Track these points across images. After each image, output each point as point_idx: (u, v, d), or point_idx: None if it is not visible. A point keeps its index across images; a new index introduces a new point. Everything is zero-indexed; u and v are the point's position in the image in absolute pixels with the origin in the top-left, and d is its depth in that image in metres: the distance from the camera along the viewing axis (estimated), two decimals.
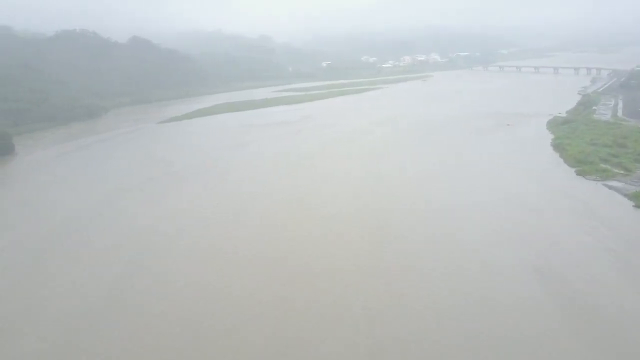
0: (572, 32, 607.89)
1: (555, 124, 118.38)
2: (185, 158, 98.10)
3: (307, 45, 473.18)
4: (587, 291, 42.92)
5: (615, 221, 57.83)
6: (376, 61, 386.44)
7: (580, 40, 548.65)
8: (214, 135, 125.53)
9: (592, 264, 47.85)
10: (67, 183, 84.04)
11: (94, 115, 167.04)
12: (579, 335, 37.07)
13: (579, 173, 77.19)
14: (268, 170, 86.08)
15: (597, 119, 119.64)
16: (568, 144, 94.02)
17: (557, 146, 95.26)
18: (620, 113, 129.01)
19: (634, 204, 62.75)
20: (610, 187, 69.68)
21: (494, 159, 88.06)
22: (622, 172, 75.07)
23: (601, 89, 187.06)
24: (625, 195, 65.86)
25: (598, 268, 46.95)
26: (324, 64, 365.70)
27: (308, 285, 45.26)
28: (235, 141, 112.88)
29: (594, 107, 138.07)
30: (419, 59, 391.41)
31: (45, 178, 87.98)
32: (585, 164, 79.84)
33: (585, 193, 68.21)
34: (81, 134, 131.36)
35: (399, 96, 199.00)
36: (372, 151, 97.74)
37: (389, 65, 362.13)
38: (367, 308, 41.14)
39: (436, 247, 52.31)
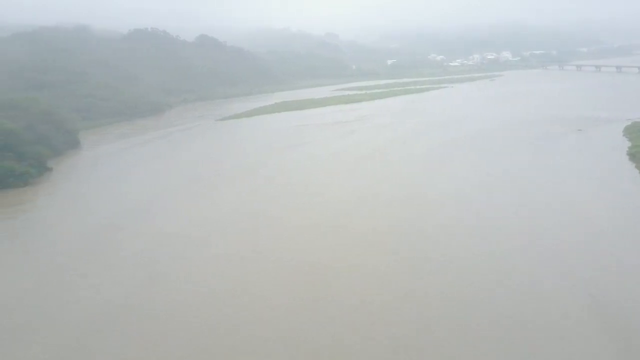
0: None
1: (633, 131, 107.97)
2: (235, 157, 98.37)
3: (374, 43, 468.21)
4: None
5: None
6: (443, 59, 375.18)
7: None
8: (268, 134, 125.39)
9: None
10: (120, 179, 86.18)
11: (159, 111, 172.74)
12: None
13: None
14: (315, 173, 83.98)
15: None
16: None
17: (634, 155, 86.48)
18: None
19: None
20: None
21: (557, 170, 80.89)
22: None
23: None
24: None
25: None
26: (389, 61, 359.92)
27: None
28: (287, 141, 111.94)
29: None
30: (489, 57, 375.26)
31: (102, 174, 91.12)
32: None
33: None
34: (143, 130, 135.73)
35: (463, 96, 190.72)
36: (428, 155, 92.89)
37: (457, 64, 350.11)
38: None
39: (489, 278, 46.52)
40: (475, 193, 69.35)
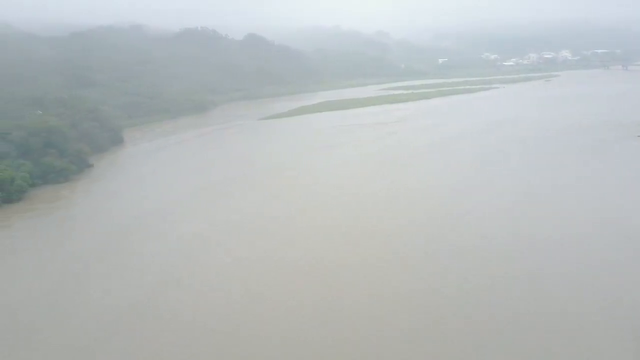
0: None
1: None
2: (269, 158, 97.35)
3: (426, 42, 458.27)
4: None
5: None
6: (497, 58, 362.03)
7: None
8: (307, 134, 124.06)
9: None
10: (153, 178, 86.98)
11: (203, 109, 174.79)
12: None
13: None
14: (346, 177, 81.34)
15: None
16: None
17: None
18: None
19: None
20: None
21: (609, 180, 74.54)
22: None
23: None
24: None
25: None
26: (440, 60, 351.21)
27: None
28: (325, 142, 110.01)
29: None
30: (546, 56, 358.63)
31: (137, 171, 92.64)
32: None
33: None
34: (185, 127, 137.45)
35: (514, 98, 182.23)
36: (469, 162, 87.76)
37: (511, 63, 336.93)
38: None
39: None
40: (516, 203, 64.88)
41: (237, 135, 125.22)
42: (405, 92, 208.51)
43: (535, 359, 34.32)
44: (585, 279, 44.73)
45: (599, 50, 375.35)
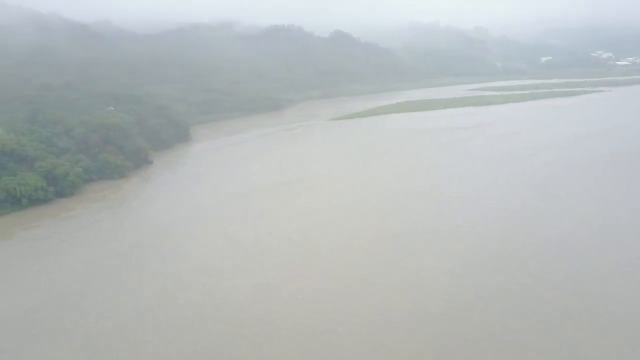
0: None
1: None
2: (323, 164, 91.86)
3: (530, 39, 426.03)
4: None
5: None
6: (610, 57, 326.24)
7: None
8: (370, 138, 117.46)
9: None
10: (207, 179, 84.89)
11: (278, 108, 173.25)
12: None
13: None
14: (400, 185, 73.60)
15: None
16: None
17: None
18: None
19: None
20: None
21: None
22: None
23: None
24: None
25: None
26: (543, 59, 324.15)
27: None
28: (388, 146, 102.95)
29: None
30: None
31: (194, 170, 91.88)
32: None
33: None
34: (252, 126, 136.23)
35: (619, 104, 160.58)
36: (539, 183, 75.25)
37: (626, 63, 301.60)
38: None
39: None
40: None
41: (302, 137, 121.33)
42: (495, 93, 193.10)
43: None
44: None
45: None
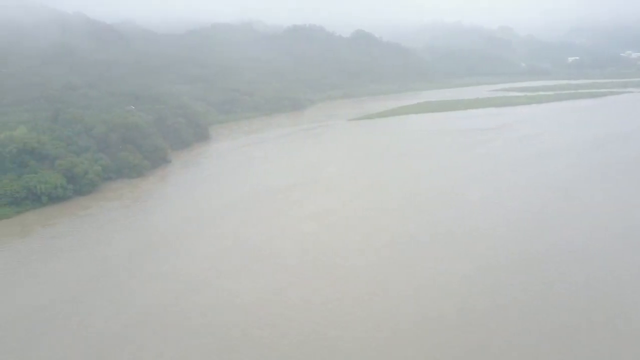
0: None
1: None
2: (340, 164, 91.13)
3: (557, 38, 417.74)
4: None
5: None
6: None
7: None
8: (389, 138, 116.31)
9: None
10: (221, 179, 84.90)
11: (298, 107, 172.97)
12: None
13: None
14: (418, 186, 72.43)
15: None
16: None
17: None
18: None
19: None
20: None
21: None
22: None
23: None
24: None
25: None
26: (569, 59, 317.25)
27: None
28: (407, 147, 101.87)
29: None
30: None
31: (210, 171, 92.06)
32: None
33: None
34: (272, 126, 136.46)
35: None
36: (556, 185, 73.72)
37: None
38: None
39: None
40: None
41: (320, 137, 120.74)
42: (518, 94, 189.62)
43: None
44: None
45: None
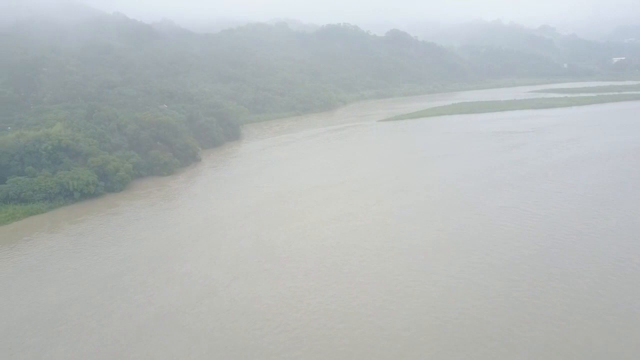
0: None
1: None
2: (366, 166, 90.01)
3: (602, 37, 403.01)
4: None
5: None
6: None
7: None
8: (422, 140, 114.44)
9: None
10: (251, 177, 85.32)
11: (330, 107, 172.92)
12: None
13: None
14: (443, 192, 70.54)
15: None
16: None
17: None
18: None
19: None
20: None
21: None
22: None
23: None
24: None
25: None
26: (614, 60, 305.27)
27: None
28: (436, 150, 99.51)
29: None
30: None
31: (236, 171, 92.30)
32: None
33: None
34: (302, 127, 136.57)
35: None
36: (607, 186, 70.51)
37: None
38: None
39: None
40: None
41: (346, 138, 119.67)
42: (558, 95, 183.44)
43: None
44: None
45: None
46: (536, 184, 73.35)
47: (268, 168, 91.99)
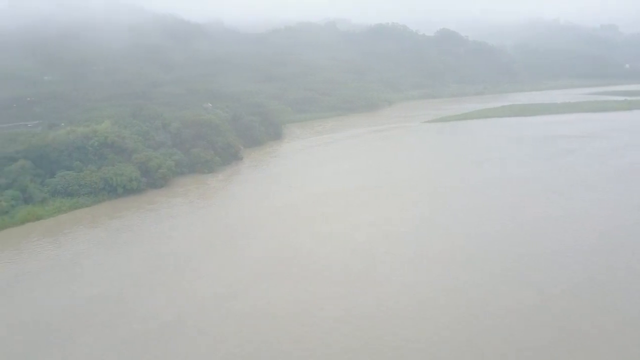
0: None
1: None
2: (405, 170, 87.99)
3: None
4: None
5: None
6: None
7: None
8: (466, 143, 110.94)
9: None
10: (289, 177, 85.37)
11: (374, 107, 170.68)
12: None
13: None
14: (481, 200, 67.78)
15: None
16: None
17: None
18: None
19: None
20: None
21: None
22: None
23: None
24: None
25: None
26: None
27: None
28: (479, 155, 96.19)
29: None
30: None
31: (274, 171, 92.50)
32: None
33: None
34: (344, 127, 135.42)
35: None
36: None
37: None
38: None
39: None
40: None
41: (387, 140, 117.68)
42: (616, 98, 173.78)
43: None
44: None
45: None
46: (585, 193, 69.33)
47: (308, 168, 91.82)
